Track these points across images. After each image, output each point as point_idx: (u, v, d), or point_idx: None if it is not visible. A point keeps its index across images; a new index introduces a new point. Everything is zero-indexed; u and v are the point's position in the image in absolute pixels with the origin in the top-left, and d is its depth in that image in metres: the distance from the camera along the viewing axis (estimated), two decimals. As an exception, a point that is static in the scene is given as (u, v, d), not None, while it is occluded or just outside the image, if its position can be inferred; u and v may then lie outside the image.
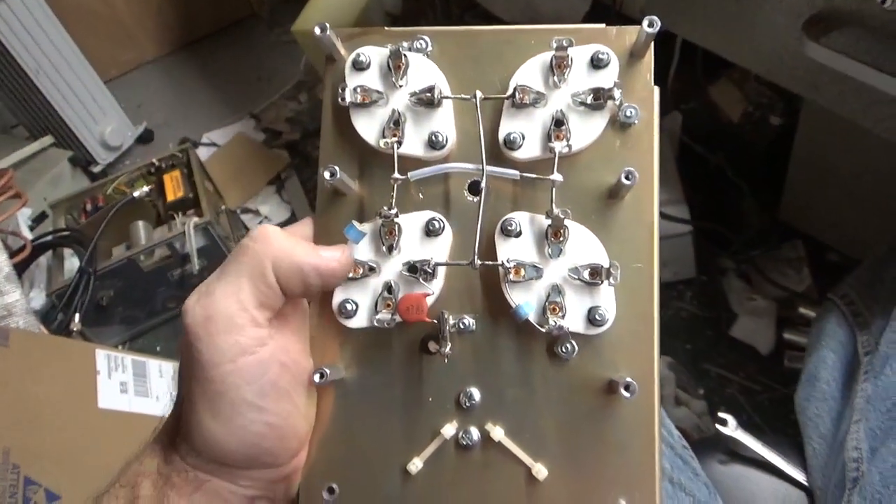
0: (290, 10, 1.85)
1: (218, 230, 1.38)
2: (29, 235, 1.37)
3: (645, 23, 0.31)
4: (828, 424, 0.53)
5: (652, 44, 0.32)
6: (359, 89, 0.33)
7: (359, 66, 0.34)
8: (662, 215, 1.24)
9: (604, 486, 0.30)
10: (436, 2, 1.76)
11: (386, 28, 0.35)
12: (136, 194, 1.43)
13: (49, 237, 1.38)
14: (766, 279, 1.23)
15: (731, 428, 0.56)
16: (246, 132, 1.84)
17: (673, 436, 0.50)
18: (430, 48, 0.34)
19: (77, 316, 1.23)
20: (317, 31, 0.32)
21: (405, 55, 0.33)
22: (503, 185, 0.33)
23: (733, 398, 1.17)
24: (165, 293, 1.43)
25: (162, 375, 1.10)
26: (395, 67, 0.33)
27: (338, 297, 0.33)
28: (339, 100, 0.33)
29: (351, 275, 0.32)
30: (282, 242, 0.30)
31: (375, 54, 0.34)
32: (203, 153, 1.78)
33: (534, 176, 0.31)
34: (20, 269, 1.24)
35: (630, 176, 0.30)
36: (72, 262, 1.38)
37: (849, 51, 0.52)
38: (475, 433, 0.31)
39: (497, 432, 0.31)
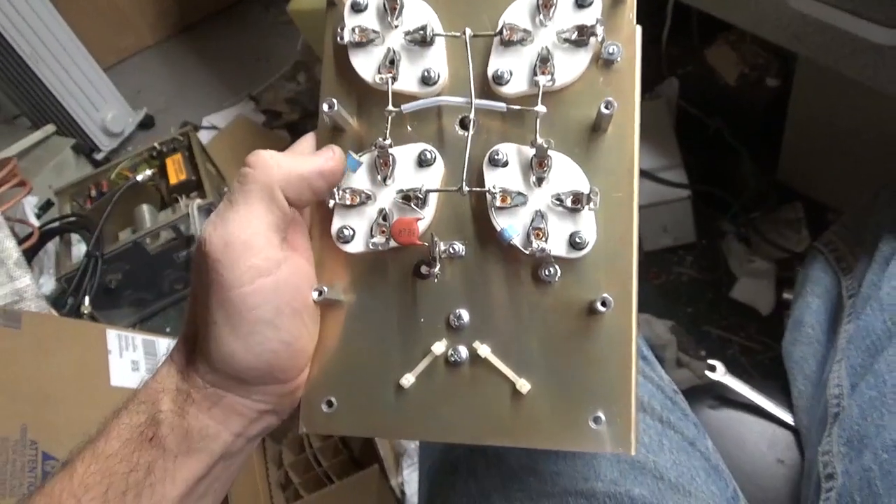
0: (285, -9, 1.85)
1: (221, 211, 1.40)
2: (36, 223, 1.40)
3: None
4: (812, 367, 0.54)
5: None
6: (356, 29, 0.35)
7: (357, 8, 0.36)
8: (661, 181, 1.24)
9: (583, 399, 0.32)
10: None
11: None
12: (139, 179, 1.45)
13: (56, 223, 1.40)
14: (766, 241, 1.23)
15: (719, 373, 0.57)
16: (246, 114, 1.85)
17: (663, 380, 0.51)
18: None
19: (87, 299, 1.26)
20: None
21: None
22: (492, 120, 0.34)
23: (734, 358, 1.19)
24: (172, 275, 1.45)
25: (172, 354, 1.13)
26: (390, 8, 0.35)
27: (336, 224, 0.35)
28: (338, 39, 0.35)
29: (349, 202, 0.34)
30: (282, 162, 0.32)
31: None
32: (204, 136, 1.79)
33: (519, 107, 0.33)
34: (29, 255, 1.27)
35: (609, 105, 0.31)
36: (79, 248, 1.40)
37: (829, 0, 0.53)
38: (464, 351, 0.33)
39: (484, 350, 0.33)
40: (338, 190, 0.34)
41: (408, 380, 0.33)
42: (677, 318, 1.25)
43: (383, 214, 0.34)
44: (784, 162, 1.24)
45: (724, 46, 1.33)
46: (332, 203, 0.34)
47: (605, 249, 0.32)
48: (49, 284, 1.36)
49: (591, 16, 0.33)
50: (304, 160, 0.33)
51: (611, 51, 0.33)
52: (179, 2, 2.17)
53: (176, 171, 1.47)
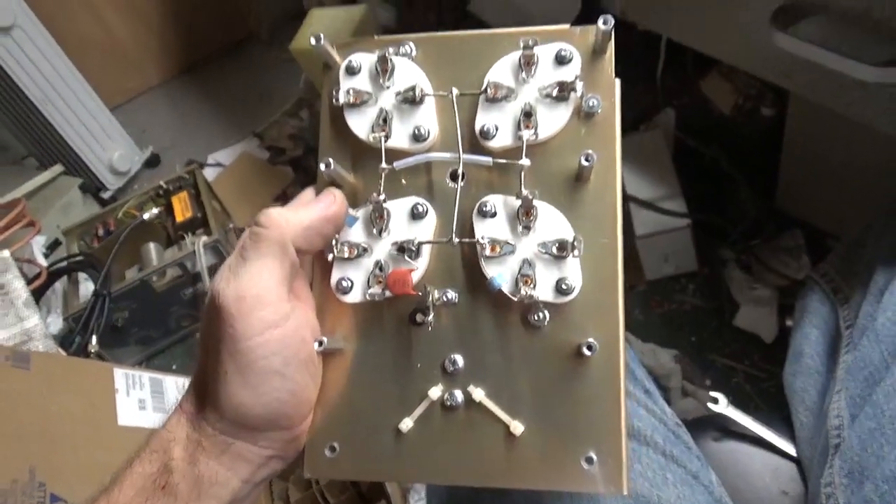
0: (287, 30, 1.89)
1: (227, 248, 1.41)
2: (44, 262, 1.41)
3: (600, 21, 0.34)
4: (813, 397, 0.55)
5: (612, 39, 0.35)
6: (351, 91, 0.37)
7: (351, 71, 0.38)
8: (661, 210, 1.26)
9: (574, 439, 0.32)
10: (429, 13, 1.79)
11: (376, 37, 0.39)
12: (145, 217, 1.46)
13: (63, 263, 1.41)
14: (767, 268, 1.24)
15: (722, 405, 0.58)
16: (250, 151, 1.88)
17: (666, 413, 0.52)
18: (414, 53, 0.38)
19: (94, 338, 1.26)
20: (312, 41, 0.37)
21: (391, 59, 0.37)
22: (480, 173, 0.36)
23: (739, 387, 1.19)
24: (179, 312, 1.46)
25: (179, 391, 1.13)
26: (382, 71, 0.37)
27: (335, 276, 0.37)
28: (334, 101, 0.37)
29: (346, 255, 0.36)
30: (291, 217, 0.34)
31: (366, 60, 0.38)
32: (209, 173, 1.82)
33: (504, 161, 0.35)
34: (37, 295, 1.28)
35: (589, 158, 0.33)
36: (86, 287, 1.41)
37: (815, 39, 0.54)
38: (459, 395, 0.34)
39: (478, 393, 0.34)
40: (336, 243, 0.36)
41: (406, 424, 0.34)
42: (681, 346, 1.25)
43: (379, 266, 0.36)
44: (782, 189, 1.25)
45: (719, 77, 1.35)
46: (330, 256, 0.36)
47: (591, 294, 0.34)
48: (57, 324, 1.37)
49: (570, 72, 0.35)
50: (310, 210, 0.35)
51: (591, 104, 0.35)
52: (184, 42, 2.21)
53: (182, 208, 1.49)
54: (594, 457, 0.32)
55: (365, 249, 0.36)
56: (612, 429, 0.32)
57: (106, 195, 1.88)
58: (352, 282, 0.36)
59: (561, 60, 0.35)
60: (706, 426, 0.59)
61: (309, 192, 0.38)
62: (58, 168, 1.79)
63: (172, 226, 1.48)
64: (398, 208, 0.36)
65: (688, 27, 0.71)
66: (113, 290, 1.33)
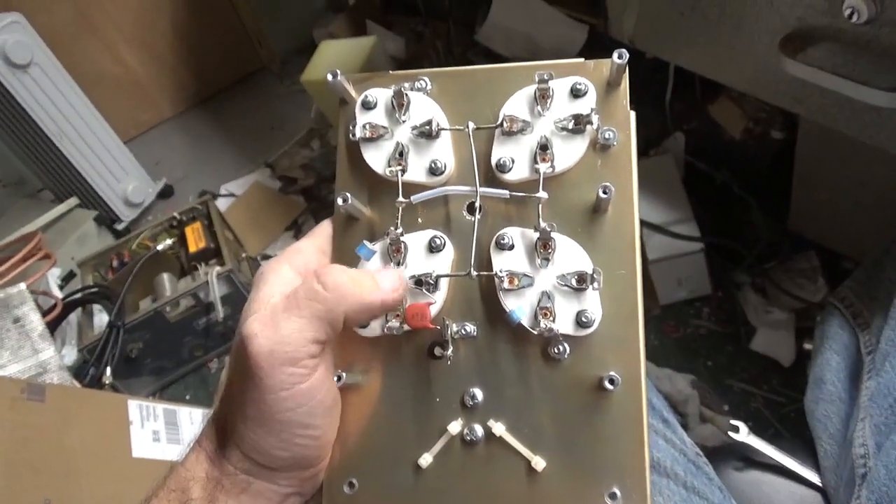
0: (298, 62, 1.92)
1: (240, 277, 1.42)
2: (59, 294, 1.42)
3: (615, 55, 0.34)
4: (836, 425, 0.54)
5: (626, 72, 0.35)
6: (367, 126, 0.37)
7: (367, 106, 0.38)
8: (673, 234, 1.25)
9: (598, 475, 0.32)
10: (437, 44, 1.82)
11: (391, 72, 0.39)
12: (159, 248, 1.48)
13: (78, 294, 1.42)
14: (782, 291, 1.23)
15: (742, 434, 0.57)
16: (262, 181, 1.90)
17: (686, 444, 0.51)
18: (429, 87, 0.38)
19: (108, 369, 1.27)
20: (329, 77, 0.37)
21: (407, 94, 0.37)
22: (498, 206, 0.36)
23: (758, 412, 1.17)
24: (192, 342, 1.46)
25: (192, 422, 1.13)
26: (398, 105, 0.37)
27: None
28: (350, 136, 0.37)
29: None
30: (352, 291, 0.32)
31: (381, 95, 0.38)
32: (222, 204, 1.83)
33: (522, 194, 0.35)
34: (52, 326, 1.29)
35: (607, 190, 0.33)
36: (101, 318, 1.42)
37: (824, 65, 0.55)
38: (479, 430, 0.34)
39: (498, 428, 0.33)
40: None
41: (426, 459, 0.34)
42: (697, 371, 1.24)
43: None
44: (794, 212, 1.25)
45: (728, 102, 1.36)
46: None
47: (611, 326, 0.33)
48: (71, 355, 1.38)
49: (586, 105, 0.35)
50: (370, 288, 0.33)
51: (607, 136, 0.35)
52: (196, 75, 2.25)
53: (195, 239, 1.50)
54: (618, 493, 0.32)
55: None
56: (635, 464, 0.32)
57: (120, 227, 1.90)
58: None
59: (576, 94, 0.35)
60: (727, 455, 0.58)
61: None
62: (73, 201, 1.81)
63: (186, 256, 1.49)
64: (415, 242, 0.36)
65: (696, 55, 0.72)
66: (127, 321, 1.34)
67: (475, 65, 0.39)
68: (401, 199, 0.36)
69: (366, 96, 0.38)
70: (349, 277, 0.32)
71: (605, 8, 0.83)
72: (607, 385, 0.32)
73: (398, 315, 0.35)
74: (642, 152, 1.48)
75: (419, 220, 0.37)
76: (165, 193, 2.02)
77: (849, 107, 0.57)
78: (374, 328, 0.36)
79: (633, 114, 0.35)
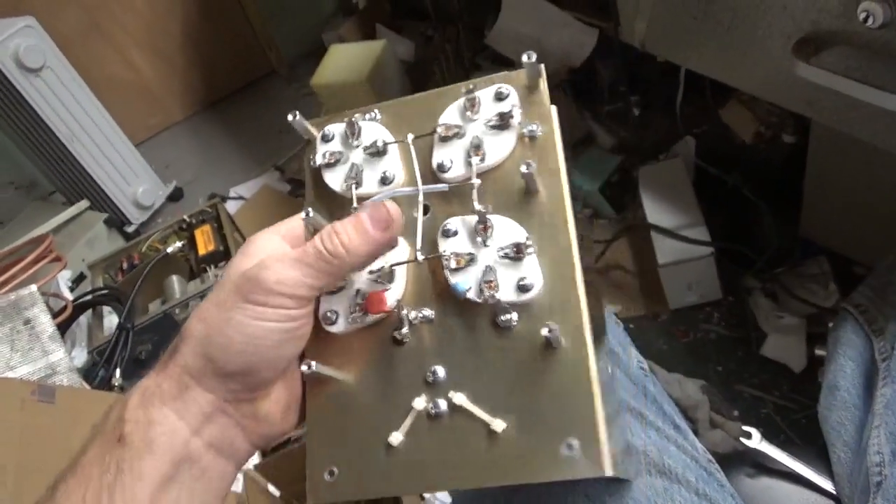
0: (308, 66, 1.93)
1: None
2: (69, 296, 1.43)
3: (524, 56, 0.38)
4: (851, 432, 0.53)
5: (543, 74, 0.40)
6: (326, 154, 0.43)
7: (325, 139, 0.44)
8: (683, 238, 1.25)
9: (553, 429, 0.34)
10: (447, 47, 1.82)
11: (345, 111, 0.45)
12: (169, 250, 1.48)
13: (88, 296, 1.43)
14: (793, 296, 1.22)
15: (755, 441, 0.56)
16: (271, 184, 1.91)
17: (697, 449, 0.50)
18: (378, 117, 0.44)
19: (118, 371, 1.27)
20: (289, 117, 0.42)
21: (357, 123, 0.43)
22: (444, 205, 0.40)
23: (769, 418, 1.16)
24: (201, 344, 1.47)
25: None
26: (350, 133, 0.43)
27: (322, 309, 0.40)
28: (312, 164, 0.43)
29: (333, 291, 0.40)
30: (352, 253, 0.37)
31: (338, 128, 0.44)
32: (231, 207, 1.84)
33: (458, 182, 0.39)
34: (62, 328, 1.29)
35: (528, 166, 0.36)
36: (111, 320, 1.43)
37: (838, 69, 0.54)
38: (442, 403, 0.36)
39: (458, 398, 0.36)
40: None
41: (396, 438, 0.36)
42: (707, 376, 1.23)
43: (359, 294, 0.39)
44: (805, 216, 1.24)
45: (738, 105, 1.35)
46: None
47: (553, 291, 0.36)
48: (81, 357, 1.38)
49: (507, 104, 0.40)
50: (365, 245, 0.37)
51: (531, 128, 0.39)
52: (206, 79, 2.26)
53: (205, 241, 1.50)
54: (575, 443, 0.33)
55: (345, 282, 0.40)
56: (587, 414, 0.33)
57: (130, 229, 1.91)
58: (336, 313, 0.39)
59: (500, 97, 0.40)
60: (738, 461, 0.58)
61: (380, 212, 0.39)
62: (84, 203, 1.82)
63: (195, 259, 1.49)
64: None
65: (708, 59, 0.71)
66: (136, 323, 1.35)
67: (463, 80, 0.43)
68: (355, 205, 0.40)
69: (324, 131, 0.43)
70: (347, 241, 0.36)
71: (617, 12, 0.83)
72: (547, 335, 0.34)
73: (361, 308, 0.38)
74: (652, 156, 1.47)
75: None
76: (175, 196, 2.03)
77: (862, 111, 0.57)
78: (341, 324, 0.39)
79: (553, 108, 0.39)
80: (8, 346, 1.12)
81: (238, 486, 1.03)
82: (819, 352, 1.13)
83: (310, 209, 0.39)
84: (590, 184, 1.48)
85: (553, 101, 0.40)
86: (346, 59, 1.74)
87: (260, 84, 2.31)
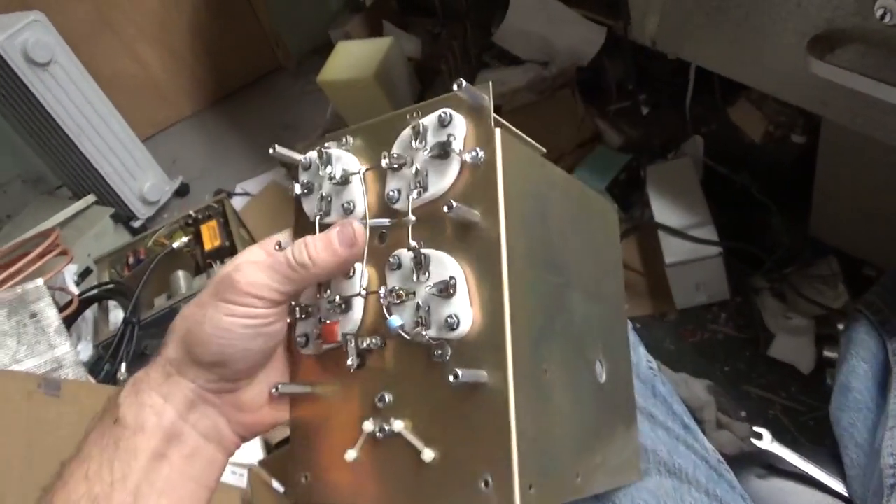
0: (315, 62, 1.93)
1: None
2: (75, 290, 1.43)
3: (455, 86, 0.37)
4: (863, 433, 0.53)
5: (488, 95, 0.39)
6: (303, 184, 0.44)
7: (305, 167, 0.45)
8: (691, 238, 1.24)
9: (475, 464, 0.35)
10: (454, 45, 1.81)
11: (326, 134, 0.46)
12: (175, 246, 1.48)
13: (94, 291, 1.43)
14: (802, 297, 1.21)
15: (766, 442, 0.56)
16: (278, 180, 1.90)
17: (707, 450, 0.50)
18: (350, 143, 0.44)
19: (123, 366, 1.27)
20: (270, 151, 0.44)
21: (326, 152, 0.44)
22: (398, 233, 0.41)
23: (777, 419, 1.15)
24: (206, 340, 1.47)
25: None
26: (321, 163, 0.44)
27: (297, 332, 0.42)
28: (291, 194, 0.45)
29: (299, 315, 0.42)
30: (317, 266, 0.40)
31: (315, 156, 0.44)
32: (238, 203, 1.84)
33: (387, 222, 0.40)
34: (68, 322, 1.29)
35: (449, 207, 0.35)
36: (116, 314, 1.43)
37: (854, 66, 0.53)
38: (387, 427, 0.38)
39: (397, 425, 0.37)
40: (295, 306, 0.42)
41: (350, 455, 0.39)
42: (714, 377, 1.22)
43: (320, 322, 0.41)
44: (815, 217, 1.23)
45: (748, 105, 1.34)
46: (289, 319, 0.42)
47: (483, 326, 0.36)
48: (87, 351, 1.39)
49: (445, 132, 0.39)
50: (331, 260, 0.40)
51: (472, 155, 0.38)
52: (213, 75, 2.26)
53: (211, 237, 1.50)
54: (489, 479, 0.34)
55: (310, 309, 0.42)
56: (503, 455, 0.34)
57: (136, 224, 1.91)
58: (306, 336, 0.42)
59: (443, 123, 0.39)
60: (748, 462, 0.57)
61: (346, 231, 0.41)
62: (90, 198, 1.83)
63: (201, 254, 1.49)
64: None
65: (720, 56, 0.71)
66: (142, 318, 1.34)
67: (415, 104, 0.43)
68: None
69: (303, 159, 0.45)
70: (314, 255, 0.39)
71: (627, 9, 0.83)
72: (452, 381, 0.34)
73: (319, 335, 0.41)
74: (660, 155, 1.47)
75: None
76: (181, 191, 2.03)
77: (877, 109, 0.56)
78: (310, 347, 0.42)
79: (498, 131, 0.38)
80: (14, 339, 1.12)
81: (243, 482, 1.03)
82: (828, 353, 1.12)
83: (280, 241, 0.42)
84: (597, 182, 1.47)
85: (519, 119, 0.39)
86: (352, 55, 1.73)
87: (267, 80, 2.31)
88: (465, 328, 0.36)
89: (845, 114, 0.59)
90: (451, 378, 0.34)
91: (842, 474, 0.55)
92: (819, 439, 1.09)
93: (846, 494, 0.54)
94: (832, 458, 0.57)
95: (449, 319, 0.36)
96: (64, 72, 1.70)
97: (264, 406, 0.42)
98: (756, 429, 0.56)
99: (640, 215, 1.39)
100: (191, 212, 1.57)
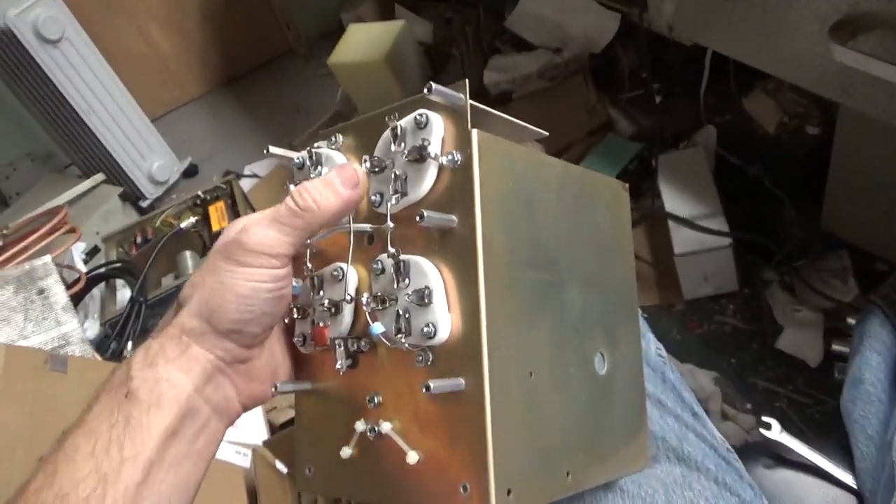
0: (325, 45, 1.92)
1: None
2: (83, 268, 1.43)
3: (425, 89, 0.36)
4: (875, 426, 0.52)
5: (465, 93, 0.37)
6: (297, 182, 0.42)
7: (298, 167, 0.44)
8: (701, 228, 1.23)
9: (454, 470, 0.35)
10: (466, 30, 1.80)
11: (320, 132, 0.45)
12: (183, 226, 1.48)
13: (102, 269, 1.43)
14: (812, 290, 1.20)
15: (775, 432, 0.55)
16: (285, 164, 1.89)
17: (716, 438, 0.49)
18: (340, 142, 0.43)
19: (129, 344, 1.27)
20: (265, 151, 0.43)
21: (316, 153, 0.43)
22: (384, 236, 0.40)
23: (782, 412, 1.15)
24: (212, 320, 1.47)
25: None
26: (311, 164, 0.43)
27: (296, 332, 0.42)
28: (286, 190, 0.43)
29: (296, 315, 0.42)
30: (321, 208, 0.38)
31: (307, 156, 0.44)
32: (246, 184, 1.84)
33: (369, 227, 0.40)
34: (76, 300, 1.30)
35: (421, 217, 0.35)
36: (123, 293, 1.43)
37: (876, 53, 0.52)
38: (376, 428, 0.38)
39: (385, 427, 0.38)
40: (293, 307, 0.42)
41: (345, 452, 0.39)
42: (720, 368, 1.22)
43: (313, 324, 0.42)
44: (828, 210, 1.22)
45: (762, 95, 1.33)
46: (287, 319, 0.43)
47: (461, 332, 0.36)
48: (94, 328, 1.39)
49: (420, 136, 0.38)
50: (335, 201, 0.39)
51: (449, 158, 0.37)
52: (224, 56, 2.25)
53: (218, 218, 1.50)
54: (468, 486, 0.34)
55: (307, 310, 0.42)
56: (479, 461, 0.34)
57: (145, 204, 1.92)
58: (304, 336, 0.42)
59: (420, 125, 0.38)
60: (756, 452, 0.57)
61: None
62: (99, 177, 1.83)
63: (209, 235, 1.49)
64: (325, 275, 0.42)
65: (739, 42, 0.70)
66: (149, 297, 1.35)
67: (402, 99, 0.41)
68: (308, 241, 0.41)
69: (296, 159, 0.44)
70: (318, 197, 0.38)
71: (644, -7, 0.81)
72: (424, 392, 0.34)
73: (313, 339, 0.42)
74: (672, 144, 1.45)
75: (330, 255, 0.42)
76: (190, 172, 2.03)
77: (899, 97, 0.55)
78: (309, 346, 0.42)
79: (474, 132, 0.37)
80: (22, 315, 1.12)
81: (247, 463, 1.03)
82: (836, 347, 1.11)
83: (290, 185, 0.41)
84: (607, 171, 1.46)
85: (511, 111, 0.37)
86: (363, 38, 1.72)
87: (278, 62, 2.30)
88: (442, 336, 0.36)
89: (866, 102, 0.58)
90: (423, 390, 0.34)
91: (850, 466, 0.54)
92: (825, 432, 1.09)
93: (855, 486, 0.53)
94: (840, 450, 0.56)
95: (426, 328, 0.36)
96: (74, 49, 1.70)
97: (270, 373, 0.42)
98: (765, 419, 0.56)
99: (651, 205, 1.38)
100: (199, 192, 1.57)
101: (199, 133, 2.16)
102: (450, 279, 0.36)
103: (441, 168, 0.37)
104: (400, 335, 0.37)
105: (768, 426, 0.56)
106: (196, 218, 1.52)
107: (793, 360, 1.18)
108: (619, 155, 1.49)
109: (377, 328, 0.37)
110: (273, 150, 0.43)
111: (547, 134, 0.44)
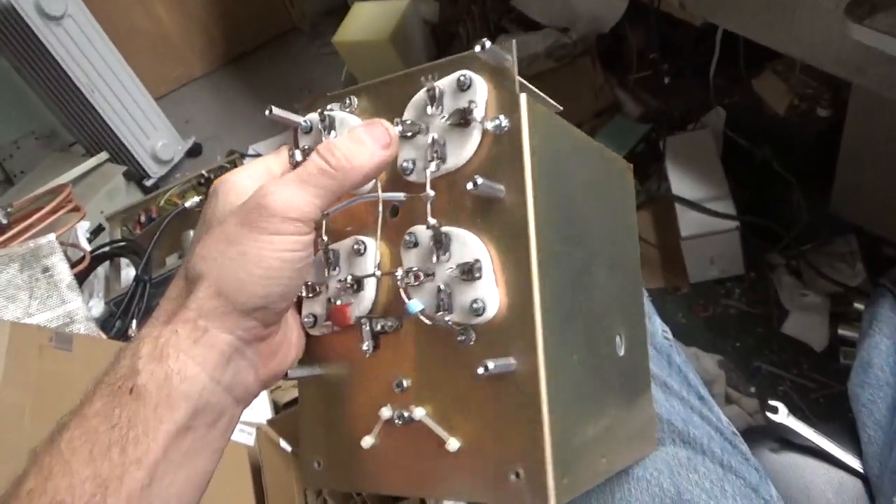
0: (330, 23, 1.90)
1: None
2: (87, 247, 1.43)
3: (477, 47, 0.34)
4: (883, 411, 0.52)
5: (511, 57, 0.35)
6: (306, 148, 0.39)
7: (305, 130, 0.41)
8: (708, 211, 1.22)
9: (505, 455, 0.33)
10: (472, 8, 1.78)
11: (328, 94, 0.42)
12: (187, 205, 1.47)
13: (106, 248, 1.43)
14: (819, 274, 1.20)
15: (781, 415, 0.55)
16: (290, 143, 1.89)
17: (722, 421, 0.49)
18: (355, 104, 0.40)
19: (134, 322, 1.28)
20: (266, 112, 0.39)
21: (328, 116, 0.39)
22: (413, 206, 0.37)
23: (787, 396, 1.15)
24: (216, 300, 1.47)
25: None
26: (324, 127, 0.39)
27: (304, 312, 0.39)
28: (290, 161, 0.40)
29: (306, 294, 0.39)
30: (354, 166, 0.34)
31: (316, 119, 0.40)
32: (250, 164, 1.83)
33: (402, 196, 0.37)
34: (80, 278, 1.30)
35: (474, 183, 0.32)
36: (128, 272, 1.43)
37: (894, 31, 0.51)
38: (406, 414, 0.36)
39: (418, 413, 0.35)
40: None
41: (367, 441, 0.37)
42: (725, 352, 1.22)
43: (330, 302, 0.38)
44: (837, 193, 1.21)
45: (773, 77, 1.31)
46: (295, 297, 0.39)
47: (510, 310, 0.34)
48: (98, 307, 1.39)
49: (466, 98, 0.35)
50: (370, 159, 0.35)
51: (496, 124, 0.34)
52: (228, 34, 2.24)
53: (222, 198, 1.49)
54: (521, 472, 0.32)
55: (319, 287, 0.39)
56: (536, 446, 0.32)
57: (149, 183, 1.91)
58: (315, 317, 0.39)
59: (462, 87, 0.36)
60: (762, 436, 0.57)
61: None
62: (103, 155, 1.82)
63: (213, 214, 1.49)
64: (343, 249, 0.39)
65: (752, 21, 0.68)
66: (153, 276, 1.35)
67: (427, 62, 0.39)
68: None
69: (302, 122, 0.40)
70: (350, 155, 0.34)
71: (655, -30, 0.80)
72: (480, 371, 0.32)
73: (329, 318, 0.38)
74: (679, 126, 1.44)
75: (348, 228, 0.39)
76: (194, 151, 2.03)
77: (916, 77, 0.54)
78: (319, 328, 0.39)
79: (523, 96, 0.34)
80: (27, 292, 1.13)
81: (251, 441, 1.04)
82: (843, 331, 1.11)
83: (291, 151, 0.39)
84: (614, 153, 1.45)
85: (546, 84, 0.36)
86: (368, 17, 1.70)
87: (282, 41, 2.28)
88: (491, 313, 0.33)
89: (882, 82, 0.57)
90: (479, 371, 0.32)
91: (857, 451, 0.54)
92: (829, 417, 1.08)
93: (861, 470, 0.53)
94: (845, 433, 0.56)
95: (474, 304, 0.33)
96: (77, 26, 1.69)
97: (287, 348, 0.38)
98: (772, 402, 0.56)
99: (657, 187, 1.37)
100: (203, 172, 1.56)
101: (202, 112, 2.15)
102: (493, 253, 0.34)
103: (484, 134, 0.35)
104: (442, 312, 0.34)
105: (775, 410, 0.55)
106: (200, 197, 1.51)
107: (798, 345, 1.18)
108: (627, 136, 1.47)
109: (414, 305, 0.35)
110: (276, 111, 0.39)
111: (561, 108, 0.42)
